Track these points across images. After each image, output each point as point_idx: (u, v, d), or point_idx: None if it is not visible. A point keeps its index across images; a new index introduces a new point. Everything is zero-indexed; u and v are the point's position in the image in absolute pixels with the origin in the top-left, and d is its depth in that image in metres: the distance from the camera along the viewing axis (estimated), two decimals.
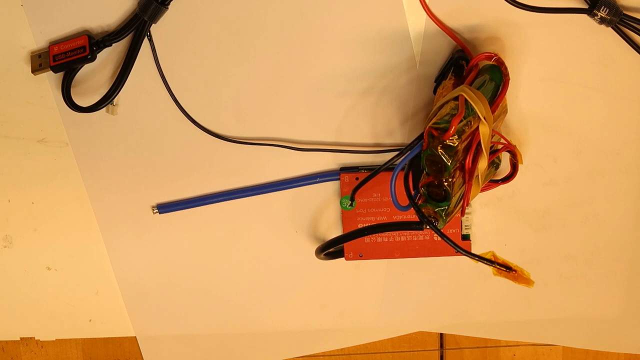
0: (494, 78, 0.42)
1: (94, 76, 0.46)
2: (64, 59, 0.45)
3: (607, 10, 0.42)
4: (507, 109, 0.44)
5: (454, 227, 0.47)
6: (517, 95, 0.46)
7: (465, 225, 0.48)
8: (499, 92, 0.42)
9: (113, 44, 0.45)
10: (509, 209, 0.48)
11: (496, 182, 0.45)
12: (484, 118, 0.38)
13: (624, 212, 0.47)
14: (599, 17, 0.42)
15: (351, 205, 0.47)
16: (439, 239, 0.45)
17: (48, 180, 0.49)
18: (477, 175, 0.40)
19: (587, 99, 0.46)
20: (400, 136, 0.47)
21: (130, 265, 0.50)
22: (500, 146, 0.43)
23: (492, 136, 0.41)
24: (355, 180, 0.47)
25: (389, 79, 0.46)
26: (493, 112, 0.41)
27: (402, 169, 0.40)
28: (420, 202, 0.40)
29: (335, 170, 0.48)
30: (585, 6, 0.43)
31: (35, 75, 0.46)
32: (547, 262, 0.48)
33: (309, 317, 0.50)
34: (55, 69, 0.45)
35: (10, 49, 0.46)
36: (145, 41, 0.45)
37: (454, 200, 0.40)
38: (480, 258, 0.41)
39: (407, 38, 0.45)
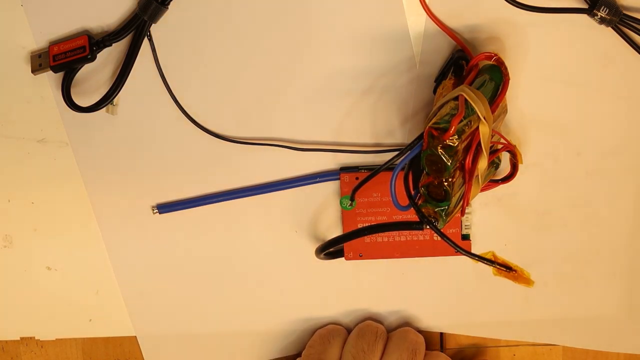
0: (494, 78, 0.42)
1: (94, 76, 0.46)
2: (64, 59, 0.45)
3: (607, 10, 0.42)
4: (507, 109, 0.44)
5: (454, 227, 0.47)
6: (517, 95, 0.46)
7: (465, 225, 0.48)
8: (499, 92, 0.42)
9: (113, 44, 0.45)
10: (509, 209, 0.48)
11: (496, 182, 0.45)
12: (484, 118, 0.38)
13: (624, 212, 0.47)
14: (599, 17, 0.42)
15: (351, 205, 0.47)
16: (439, 239, 0.45)
17: (48, 180, 0.49)
18: (477, 175, 0.40)
19: (587, 99, 0.46)
20: (400, 136, 0.47)
21: (130, 265, 0.50)
22: (500, 146, 0.43)
23: (492, 136, 0.41)
24: (355, 180, 0.47)
25: (389, 79, 0.46)
26: (493, 112, 0.41)
27: (402, 169, 0.40)
28: (420, 202, 0.40)
29: (335, 170, 0.48)
30: (585, 6, 0.43)
31: (35, 75, 0.46)
32: (547, 262, 0.48)
33: (309, 317, 0.50)
34: (55, 69, 0.45)
35: (10, 49, 0.46)
36: (145, 41, 0.45)
37: (454, 200, 0.40)
38: (480, 258, 0.41)
39: (407, 38, 0.45)
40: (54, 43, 0.45)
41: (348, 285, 0.50)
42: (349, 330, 0.50)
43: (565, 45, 0.45)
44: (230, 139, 0.47)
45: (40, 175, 0.49)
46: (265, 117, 0.47)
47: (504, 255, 0.42)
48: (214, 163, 0.48)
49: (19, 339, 0.52)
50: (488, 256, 0.41)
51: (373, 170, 0.44)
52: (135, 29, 0.45)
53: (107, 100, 0.46)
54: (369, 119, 0.47)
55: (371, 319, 0.50)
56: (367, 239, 0.48)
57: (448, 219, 0.40)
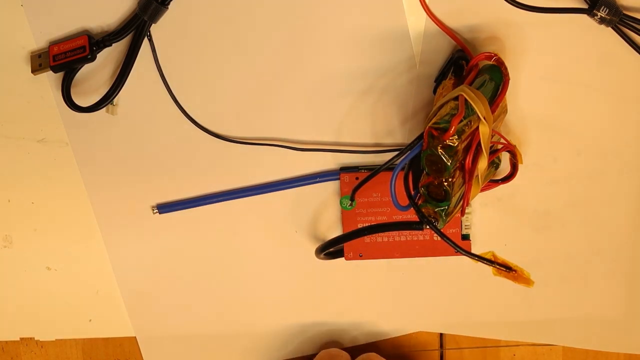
0: (494, 78, 0.42)
1: (94, 76, 0.46)
2: (63, 59, 0.45)
3: (607, 10, 0.42)
4: (507, 109, 0.44)
5: (454, 227, 0.47)
6: (517, 95, 0.46)
7: (465, 225, 0.48)
8: (499, 92, 0.42)
9: (113, 44, 0.45)
10: (509, 209, 0.48)
11: (496, 182, 0.45)
12: (484, 118, 0.39)
13: (624, 212, 0.47)
14: (599, 17, 0.42)
15: (351, 205, 0.47)
16: (439, 239, 0.45)
17: (48, 180, 0.49)
18: (477, 175, 0.40)
19: (587, 99, 0.46)
20: (400, 136, 0.47)
21: (130, 265, 0.50)
22: (500, 146, 0.43)
23: (492, 136, 0.41)
24: (355, 180, 0.47)
25: (389, 79, 0.46)
26: (493, 112, 0.41)
27: (402, 169, 0.40)
28: (420, 202, 0.40)
29: (335, 170, 0.48)
30: (585, 6, 0.43)
31: (35, 75, 0.46)
32: (547, 262, 0.48)
33: (309, 317, 0.50)
34: (55, 69, 0.45)
35: (10, 49, 0.46)
36: (145, 41, 0.45)
37: (454, 200, 0.40)
38: (480, 258, 0.41)
39: (407, 38, 0.45)
40: (54, 43, 0.45)
41: (348, 285, 0.50)
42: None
43: (565, 45, 0.45)
44: (230, 139, 0.47)
45: (40, 175, 0.49)
46: (265, 117, 0.47)
47: (504, 255, 0.42)
48: (214, 163, 0.48)
49: (19, 339, 0.52)
50: (488, 256, 0.41)
51: (373, 170, 0.44)
52: (135, 29, 0.45)
53: (107, 100, 0.46)
54: (369, 119, 0.47)
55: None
56: (367, 239, 0.48)
57: (448, 219, 0.40)
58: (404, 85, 0.46)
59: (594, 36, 0.44)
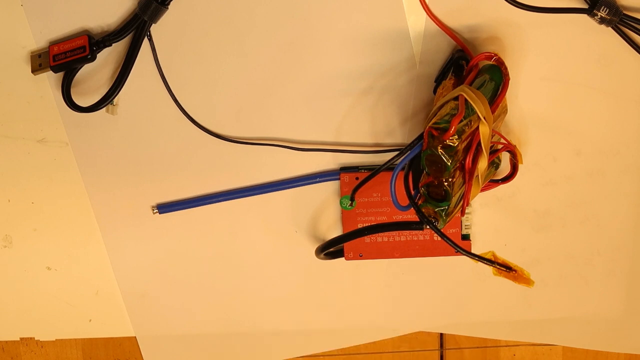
0: (494, 78, 0.42)
1: (94, 76, 0.46)
2: (64, 59, 0.45)
3: (607, 10, 0.42)
4: (507, 109, 0.44)
5: (454, 227, 0.47)
6: (517, 95, 0.46)
7: (465, 225, 0.48)
8: (499, 92, 0.42)
9: (113, 44, 0.45)
10: (509, 209, 0.48)
11: (496, 182, 0.45)
12: (484, 118, 0.39)
13: (624, 212, 0.47)
14: (599, 17, 0.42)
15: (351, 205, 0.47)
16: (439, 239, 0.45)
17: (48, 180, 0.49)
18: (477, 175, 0.40)
19: (587, 99, 0.46)
20: (400, 136, 0.47)
21: (130, 265, 0.50)
22: (500, 146, 0.43)
23: (492, 136, 0.41)
24: (355, 180, 0.47)
25: (389, 79, 0.46)
26: (493, 112, 0.41)
27: (402, 169, 0.40)
28: (420, 202, 0.40)
29: (335, 170, 0.48)
30: (585, 6, 0.43)
31: (35, 75, 0.46)
32: (547, 262, 0.48)
33: (309, 317, 0.50)
34: (55, 69, 0.45)
35: (10, 49, 0.46)
36: (145, 41, 0.45)
37: (454, 200, 0.40)
38: (480, 258, 0.41)
39: (407, 38, 0.45)
40: (54, 43, 0.45)
41: (348, 285, 0.50)
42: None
43: (565, 45, 0.45)
44: (230, 139, 0.47)
45: (40, 175, 0.48)
46: (265, 117, 0.47)
47: (504, 255, 0.42)
48: (214, 163, 0.48)
49: (18, 339, 0.52)
50: (488, 256, 0.41)
51: (373, 170, 0.44)
52: (135, 29, 0.45)
53: (107, 100, 0.46)
54: (369, 119, 0.47)
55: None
56: (367, 239, 0.48)
57: (448, 219, 0.40)
58: (404, 85, 0.46)
59: (594, 36, 0.44)
